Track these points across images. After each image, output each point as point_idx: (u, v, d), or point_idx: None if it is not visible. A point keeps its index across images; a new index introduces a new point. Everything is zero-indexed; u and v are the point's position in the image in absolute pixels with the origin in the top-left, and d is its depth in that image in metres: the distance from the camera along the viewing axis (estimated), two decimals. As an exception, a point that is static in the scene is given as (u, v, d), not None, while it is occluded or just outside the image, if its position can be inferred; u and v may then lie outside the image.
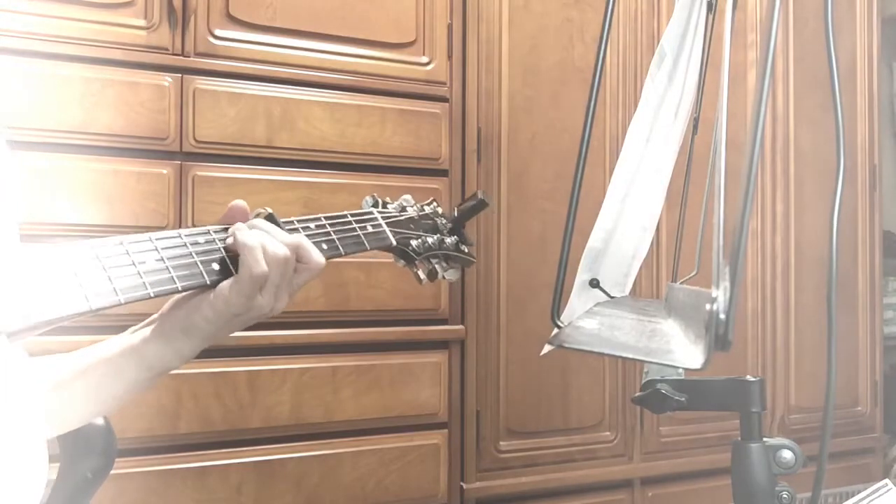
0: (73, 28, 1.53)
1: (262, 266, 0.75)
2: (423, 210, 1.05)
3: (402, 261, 1.00)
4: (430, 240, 1.01)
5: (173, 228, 1.58)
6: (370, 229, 0.93)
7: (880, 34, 2.59)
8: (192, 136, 1.61)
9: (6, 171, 0.73)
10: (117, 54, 1.56)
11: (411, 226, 1.00)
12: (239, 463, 1.63)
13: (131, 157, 1.57)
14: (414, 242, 0.99)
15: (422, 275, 1.01)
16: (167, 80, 1.60)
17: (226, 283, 0.75)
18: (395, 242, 0.96)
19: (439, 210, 1.07)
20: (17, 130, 1.45)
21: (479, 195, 1.08)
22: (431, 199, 1.09)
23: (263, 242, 0.76)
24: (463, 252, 1.06)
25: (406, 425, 1.80)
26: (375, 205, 0.99)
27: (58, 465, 0.90)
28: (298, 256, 0.79)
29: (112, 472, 0.93)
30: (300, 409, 1.69)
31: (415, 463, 1.80)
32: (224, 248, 0.77)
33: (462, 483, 1.89)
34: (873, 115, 2.55)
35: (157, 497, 1.54)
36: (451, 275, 1.05)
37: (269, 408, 1.66)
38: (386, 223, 0.96)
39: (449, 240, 1.05)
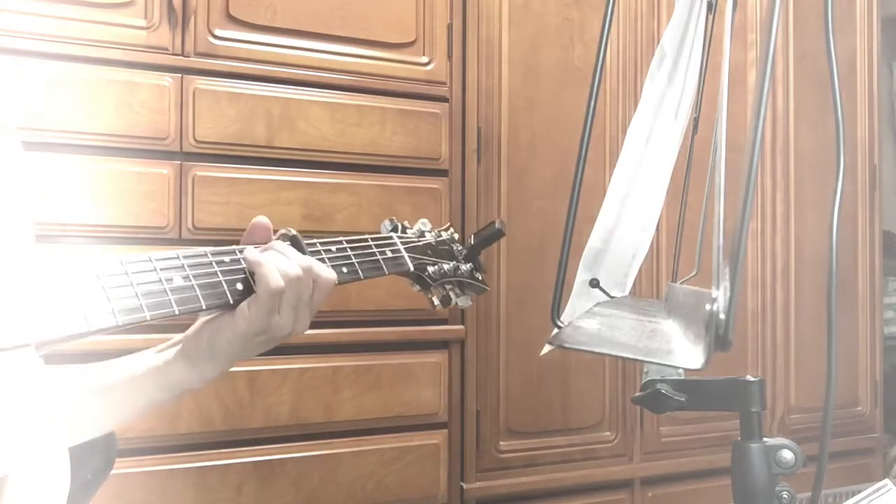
0: (73, 28, 1.53)
1: (279, 281, 0.76)
2: (441, 236, 1.06)
3: (418, 286, 1.02)
4: (445, 266, 1.03)
5: (173, 228, 1.59)
6: (389, 254, 0.94)
7: (880, 34, 2.59)
8: (192, 136, 1.61)
9: (22, 174, 0.73)
10: (117, 54, 1.56)
11: (428, 252, 1.02)
12: (239, 463, 1.63)
13: (131, 157, 1.56)
14: (430, 269, 1.00)
15: (436, 300, 1.03)
16: (167, 80, 1.60)
17: (245, 303, 0.77)
18: (412, 268, 0.97)
19: (455, 236, 1.09)
20: (17, 130, 1.45)
21: (497, 224, 1.09)
22: (448, 224, 1.11)
23: (277, 262, 0.77)
24: (477, 280, 1.08)
25: (406, 425, 1.80)
26: (395, 229, 1.00)
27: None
28: (312, 276, 0.80)
29: (112, 472, 0.93)
30: (300, 409, 1.69)
31: (415, 463, 1.80)
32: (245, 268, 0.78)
33: (462, 483, 1.89)
34: (873, 115, 2.55)
35: (157, 497, 1.54)
36: (464, 301, 1.06)
37: (269, 408, 1.66)
38: (404, 248, 0.97)
39: (464, 267, 1.06)
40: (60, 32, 1.51)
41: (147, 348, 0.84)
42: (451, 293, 1.04)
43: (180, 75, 1.61)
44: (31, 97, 1.48)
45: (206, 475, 1.60)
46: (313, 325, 1.79)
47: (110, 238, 1.53)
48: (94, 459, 0.90)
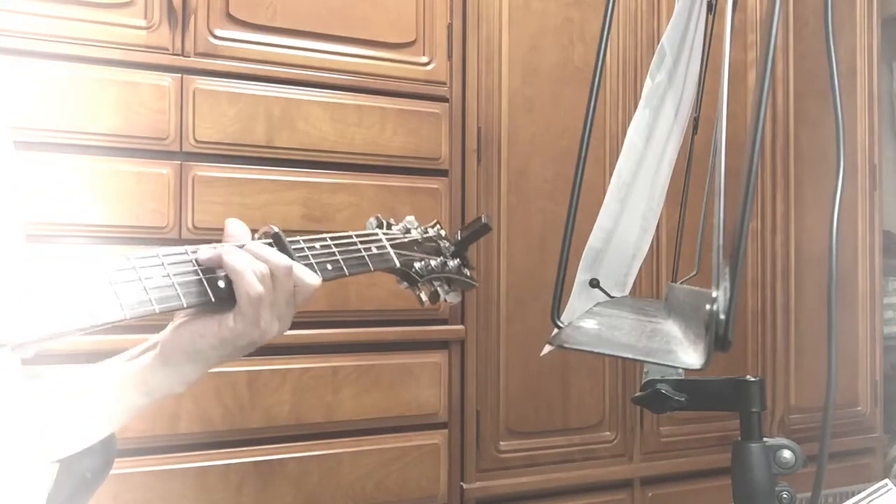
0: (73, 28, 1.53)
1: (258, 287, 0.75)
2: (427, 232, 1.05)
3: (405, 282, 1.01)
4: (433, 262, 1.02)
5: (173, 228, 1.59)
6: (374, 251, 0.94)
7: (880, 34, 2.59)
8: (192, 136, 1.61)
9: (13, 174, 0.73)
10: (117, 54, 1.56)
11: (415, 248, 1.01)
12: (239, 463, 1.63)
13: (131, 157, 1.57)
14: (417, 265, 1.00)
15: (424, 297, 1.02)
16: (167, 80, 1.60)
17: (230, 315, 0.75)
18: (398, 264, 0.97)
19: (442, 233, 1.08)
20: (18, 130, 1.45)
21: (483, 219, 1.09)
22: (435, 221, 1.10)
23: (253, 266, 0.76)
24: (465, 275, 1.07)
25: (406, 425, 1.80)
26: (380, 226, 0.99)
27: (57, 465, 0.90)
28: (292, 279, 0.79)
29: (112, 472, 0.93)
30: (300, 409, 1.69)
31: (415, 463, 1.80)
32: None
33: (462, 483, 1.89)
34: (873, 115, 2.55)
35: (157, 497, 1.54)
36: (453, 297, 1.06)
37: (269, 408, 1.66)
38: (390, 245, 0.97)
39: (452, 263, 1.05)
40: (60, 32, 1.51)
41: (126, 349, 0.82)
42: (439, 289, 1.03)
43: (180, 75, 1.61)
44: (31, 97, 1.48)
45: (206, 475, 1.60)
46: (313, 326, 1.79)
47: (110, 238, 1.53)
48: (93, 459, 0.90)
